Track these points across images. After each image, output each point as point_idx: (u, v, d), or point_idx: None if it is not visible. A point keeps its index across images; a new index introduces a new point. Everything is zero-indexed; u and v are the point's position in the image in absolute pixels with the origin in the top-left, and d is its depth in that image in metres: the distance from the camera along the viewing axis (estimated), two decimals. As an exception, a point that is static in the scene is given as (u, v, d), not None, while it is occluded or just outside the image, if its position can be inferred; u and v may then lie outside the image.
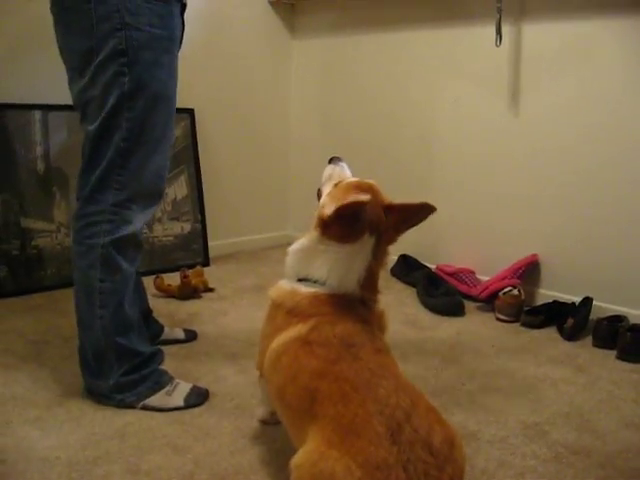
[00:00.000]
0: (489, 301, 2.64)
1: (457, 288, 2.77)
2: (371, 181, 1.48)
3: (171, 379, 1.84)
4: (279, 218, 3.69)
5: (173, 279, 2.77)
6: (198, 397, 1.82)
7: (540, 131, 2.64)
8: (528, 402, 1.86)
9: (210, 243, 3.26)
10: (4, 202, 2.62)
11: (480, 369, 2.09)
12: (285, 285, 1.46)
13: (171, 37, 1.71)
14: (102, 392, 1.78)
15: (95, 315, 1.74)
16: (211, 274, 2.97)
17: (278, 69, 3.56)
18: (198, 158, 3.21)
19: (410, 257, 3.06)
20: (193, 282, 2.72)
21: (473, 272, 2.84)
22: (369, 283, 1.41)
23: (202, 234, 3.22)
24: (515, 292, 2.56)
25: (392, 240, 1.45)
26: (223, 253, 3.37)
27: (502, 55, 2.67)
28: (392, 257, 2.94)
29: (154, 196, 1.80)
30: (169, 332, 2.24)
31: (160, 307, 2.58)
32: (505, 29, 2.62)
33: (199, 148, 3.22)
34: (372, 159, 3.09)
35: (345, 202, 1.32)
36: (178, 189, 3.15)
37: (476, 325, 2.50)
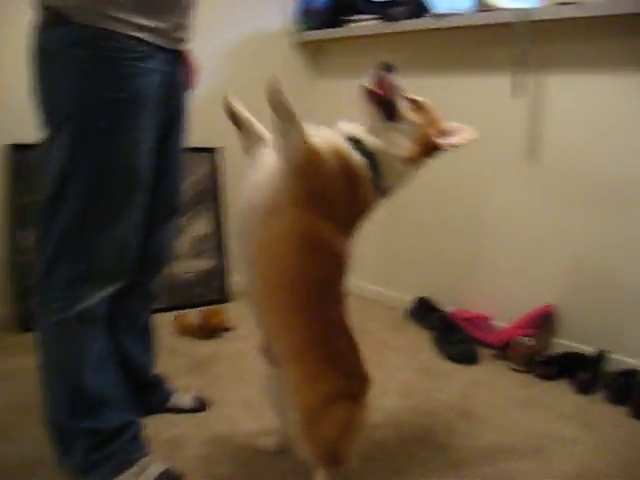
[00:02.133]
0: (503, 349, 2.66)
1: (472, 334, 2.80)
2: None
3: (140, 458, 1.70)
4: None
5: (192, 316, 2.83)
6: None
7: (559, 181, 2.66)
8: (539, 463, 1.88)
9: (233, 278, 3.32)
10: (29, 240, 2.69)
11: (492, 424, 2.11)
12: None
13: (136, 100, 1.58)
14: (72, 472, 1.69)
15: (54, 394, 1.67)
16: (232, 311, 3.01)
17: (303, 107, 3.60)
18: (220, 197, 3.28)
19: (428, 300, 3.10)
20: (213, 322, 2.77)
21: (488, 319, 2.86)
22: None
23: (221, 271, 3.28)
24: (528, 342, 2.58)
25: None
26: (243, 289, 3.40)
27: (520, 106, 2.71)
28: (409, 299, 3.05)
29: (113, 276, 1.68)
30: (178, 400, 2.13)
31: (180, 347, 2.65)
32: (524, 80, 2.66)
33: (222, 186, 3.29)
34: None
35: (470, 137, 1.64)
36: (199, 227, 3.21)
37: (490, 375, 2.52)
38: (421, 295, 3.11)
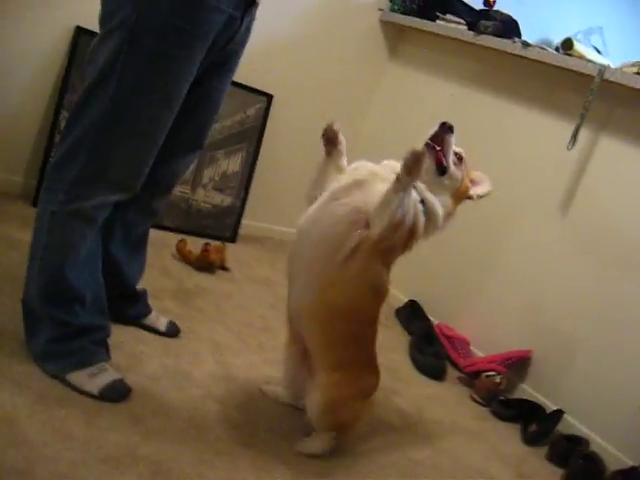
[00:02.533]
0: (471, 377, 2.72)
1: (448, 352, 2.86)
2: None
3: (101, 361, 1.77)
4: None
5: (196, 246, 2.90)
6: (115, 392, 1.75)
7: (584, 237, 2.68)
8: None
9: (245, 221, 3.39)
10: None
11: (431, 443, 2.17)
12: None
13: (192, 32, 1.61)
14: (32, 354, 1.77)
15: (33, 278, 1.75)
16: (233, 252, 3.09)
17: (366, 84, 3.63)
18: (261, 140, 3.33)
19: (418, 305, 3.15)
20: (212, 257, 2.84)
21: (468, 343, 2.91)
22: None
23: (238, 212, 3.34)
24: (497, 379, 2.63)
25: None
26: (253, 234, 3.49)
27: (571, 158, 2.71)
28: (403, 299, 3.10)
29: (121, 186, 1.74)
30: (154, 319, 2.18)
31: (173, 271, 2.73)
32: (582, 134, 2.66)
33: (266, 130, 3.34)
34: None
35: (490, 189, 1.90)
36: (232, 164, 3.27)
37: (449, 396, 2.58)
38: (413, 298, 3.17)
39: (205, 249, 2.82)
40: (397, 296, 3.22)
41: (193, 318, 2.39)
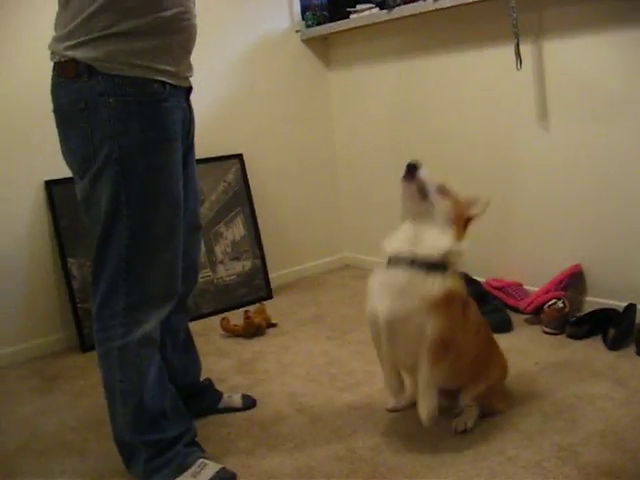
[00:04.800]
0: (536, 314, 2.74)
1: (505, 302, 2.88)
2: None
3: (198, 458, 1.86)
4: (334, 243, 3.88)
5: (238, 317, 2.99)
6: None
7: (573, 143, 2.71)
8: (565, 423, 1.97)
9: (271, 275, 3.48)
10: (80, 266, 2.91)
11: (522, 390, 2.20)
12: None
13: (167, 137, 1.74)
14: (137, 477, 1.87)
15: (117, 412, 1.83)
16: (274, 307, 3.18)
17: (317, 100, 3.72)
18: (251, 199, 3.43)
19: (461, 272, 3.17)
20: (256, 321, 2.93)
21: (521, 285, 2.94)
22: None
23: (262, 269, 3.44)
24: (560, 304, 2.65)
25: None
26: (285, 283, 3.59)
27: (525, 76, 2.76)
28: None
29: (167, 297, 1.83)
30: (227, 400, 2.27)
31: (228, 347, 2.82)
32: (525, 50, 2.70)
33: (252, 189, 3.44)
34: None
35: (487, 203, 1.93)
36: (236, 230, 3.38)
37: (523, 341, 2.61)
38: (454, 268, 3.20)
39: (247, 316, 2.91)
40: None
41: (262, 382, 2.47)
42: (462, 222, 1.92)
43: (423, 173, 1.86)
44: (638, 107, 2.48)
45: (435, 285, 1.81)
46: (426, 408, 1.88)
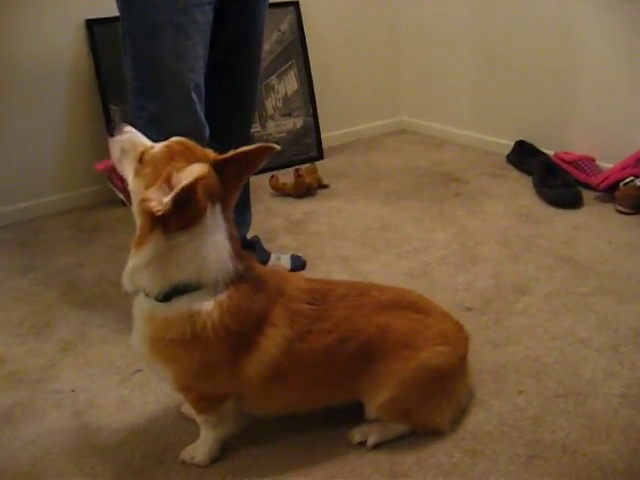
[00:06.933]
0: (609, 192, 2.54)
1: (576, 177, 2.68)
2: (180, 139, 1.26)
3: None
4: (392, 104, 3.62)
5: (288, 176, 2.85)
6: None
7: None
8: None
9: (323, 135, 3.29)
10: (122, 113, 2.74)
11: (595, 269, 2.06)
12: (162, 313, 1.29)
13: None
14: None
15: None
16: (325, 168, 3.02)
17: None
18: (307, 52, 3.19)
19: (527, 143, 2.97)
20: (307, 180, 2.78)
21: (594, 160, 2.72)
22: (238, 251, 1.31)
23: (315, 127, 3.25)
24: (637, 183, 2.45)
25: (234, 196, 1.31)
26: (337, 144, 3.40)
27: None
28: (508, 143, 2.94)
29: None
30: (275, 261, 2.15)
31: (277, 207, 2.70)
32: None
33: (307, 41, 3.19)
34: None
35: (181, 188, 1.11)
36: (288, 85, 3.17)
37: (594, 218, 2.43)
38: (520, 139, 2.99)
39: (298, 175, 2.76)
40: (502, 144, 3.06)
41: (313, 244, 2.36)
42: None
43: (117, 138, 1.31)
44: None
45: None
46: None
